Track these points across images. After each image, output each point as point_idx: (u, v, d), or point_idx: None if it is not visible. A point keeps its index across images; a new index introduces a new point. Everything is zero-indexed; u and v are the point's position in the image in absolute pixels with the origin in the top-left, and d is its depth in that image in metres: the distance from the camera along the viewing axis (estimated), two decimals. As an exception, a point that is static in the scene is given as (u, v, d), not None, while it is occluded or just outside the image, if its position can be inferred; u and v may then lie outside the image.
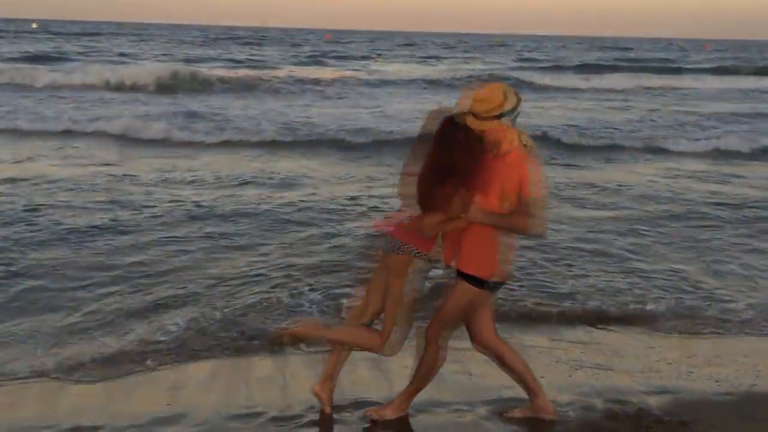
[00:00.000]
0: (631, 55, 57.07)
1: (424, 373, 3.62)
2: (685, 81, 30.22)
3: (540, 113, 17.63)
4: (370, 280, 3.64)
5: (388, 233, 3.48)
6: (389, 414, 3.69)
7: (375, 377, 4.16)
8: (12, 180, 8.85)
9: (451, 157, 3.24)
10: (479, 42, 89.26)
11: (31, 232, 6.75)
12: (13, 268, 5.79)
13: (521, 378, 3.70)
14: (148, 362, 4.32)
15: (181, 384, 4.10)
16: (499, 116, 3.20)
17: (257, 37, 70.99)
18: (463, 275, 3.43)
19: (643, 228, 7.71)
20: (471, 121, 3.24)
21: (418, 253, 3.42)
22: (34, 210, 7.48)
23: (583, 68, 36.20)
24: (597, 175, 10.92)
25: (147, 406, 3.82)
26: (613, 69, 34.53)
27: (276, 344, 3.64)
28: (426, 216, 3.34)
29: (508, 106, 3.21)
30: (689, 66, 41.32)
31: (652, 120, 17.52)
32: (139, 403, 3.86)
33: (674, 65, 42.20)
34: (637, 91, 26.14)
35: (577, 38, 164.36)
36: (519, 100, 3.25)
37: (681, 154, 13.14)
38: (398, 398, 3.72)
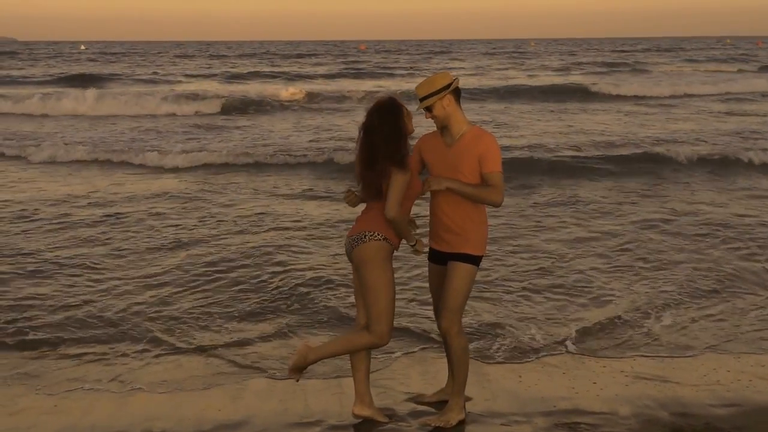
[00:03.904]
0: (696, 55, 54.97)
1: (459, 365, 3.68)
2: None
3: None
4: (354, 288, 3.72)
5: (348, 235, 3.59)
6: (454, 418, 3.71)
7: (428, 386, 4.16)
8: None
9: (372, 138, 3.48)
10: (512, 47, 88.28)
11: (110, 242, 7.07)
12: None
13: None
14: (212, 372, 4.48)
15: (241, 393, 4.21)
16: (438, 92, 3.54)
17: (295, 52, 71.82)
18: (459, 256, 3.57)
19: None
20: (419, 107, 3.60)
21: (372, 235, 3.49)
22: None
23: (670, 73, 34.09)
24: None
25: (211, 413, 3.95)
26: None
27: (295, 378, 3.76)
28: (371, 201, 3.54)
29: (445, 81, 3.56)
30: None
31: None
32: (204, 410, 3.99)
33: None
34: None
35: (619, 40, 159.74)
36: (455, 79, 3.62)
37: None
38: (453, 401, 3.74)
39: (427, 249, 3.68)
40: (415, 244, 3.59)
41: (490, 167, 3.49)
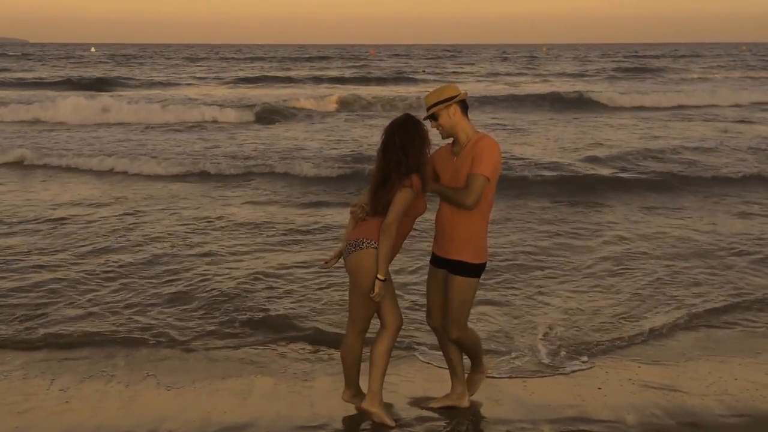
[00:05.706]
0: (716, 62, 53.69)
1: (474, 352, 3.84)
2: None
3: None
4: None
5: (347, 240, 3.63)
6: (483, 371, 3.95)
7: (435, 391, 4.15)
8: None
9: (394, 153, 3.53)
10: (524, 52, 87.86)
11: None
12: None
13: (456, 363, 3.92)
14: (219, 374, 4.51)
15: (247, 396, 4.22)
16: (445, 101, 3.61)
17: (305, 55, 71.92)
18: (458, 264, 3.61)
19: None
20: (426, 115, 3.66)
21: (369, 242, 3.54)
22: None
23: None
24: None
25: (217, 415, 3.96)
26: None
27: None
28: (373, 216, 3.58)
29: (453, 92, 3.63)
30: None
31: None
32: (210, 412, 4.01)
33: None
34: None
35: (631, 45, 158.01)
36: (463, 93, 3.67)
37: None
38: (471, 375, 3.92)
39: (378, 296, 3.55)
40: (384, 279, 3.52)
41: (475, 168, 3.52)
